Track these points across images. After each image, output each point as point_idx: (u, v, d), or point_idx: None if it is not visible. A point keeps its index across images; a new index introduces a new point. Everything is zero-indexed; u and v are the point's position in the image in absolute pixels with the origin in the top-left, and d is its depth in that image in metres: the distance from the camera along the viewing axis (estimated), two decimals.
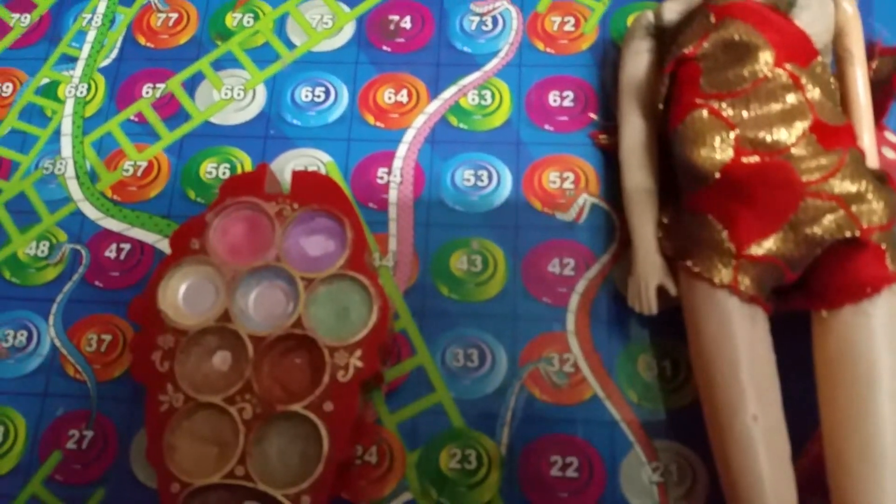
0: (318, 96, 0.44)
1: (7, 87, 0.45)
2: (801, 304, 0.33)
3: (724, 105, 0.34)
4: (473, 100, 0.43)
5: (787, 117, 0.33)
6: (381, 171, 0.41)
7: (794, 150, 0.33)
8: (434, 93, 0.43)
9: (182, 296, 0.34)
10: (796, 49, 0.35)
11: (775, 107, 0.34)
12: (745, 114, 0.34)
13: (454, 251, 0.39)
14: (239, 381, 0.32)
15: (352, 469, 0.35)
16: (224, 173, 0.42)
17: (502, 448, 0.35)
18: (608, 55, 0.43)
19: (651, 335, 0.37)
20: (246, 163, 0.42)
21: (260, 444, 0.32)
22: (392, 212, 0.40)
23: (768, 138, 0.33)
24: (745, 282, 0.33)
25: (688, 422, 0.35)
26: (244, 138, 0.43)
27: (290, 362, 0.33)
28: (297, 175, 0.36)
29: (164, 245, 0.40)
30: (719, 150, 0.33)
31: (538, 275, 0.39)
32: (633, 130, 0.38)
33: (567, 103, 0.42)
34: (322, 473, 0.31)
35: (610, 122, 0.41)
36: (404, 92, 0.43)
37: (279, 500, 0.31)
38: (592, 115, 0.42)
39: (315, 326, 0.33)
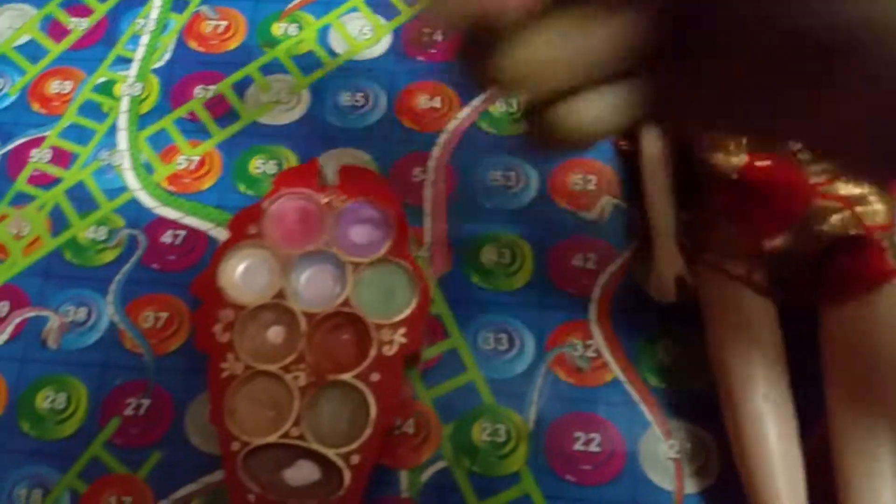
0: (359, 101, 0.47)
1: (67, 84, 0.48)
2: (809, 298, 0.36)
3: None
4: (502, 107, 0.46)
5: None
6: (417, 171, 0.44)
7: (800, 155, 0.36)
8: (465, 100, 0.46)
9: (240, 275, 0.37)
10: None
11: None
12: None
13: (484, 244, 0.42)
14: (293, 353, 0.35)
15: (391, 438, 0.38)
16: (271, 169, 0.45)
17: (530, 423, 0.38)
18: None
19: (667, 323, 0.40)
20: (291, 160, 0.45)
21: (312, 409, 0.35)
22: (427, 207, 0.43)
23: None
24: (757, 275, 0.36)
25: (702, 404, 0.38)
26: (290, 138, 0.46)
27: (339, 338, 0.36)
28: (345, 169, 0.39)
29: (217, 232, 0.43)
30: (734, 155, 0.37)
31: (563, 268, 0.42)
32: (654, 137, 0.41)
33: None
34: (370, 436, 0.34)
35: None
36: (438, 98, 0.46)
37: (331, 459, 0.33)
38: None
39: (362, 306, 0.36)
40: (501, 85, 0.24)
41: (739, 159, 0.37)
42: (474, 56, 0.24)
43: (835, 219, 0.35)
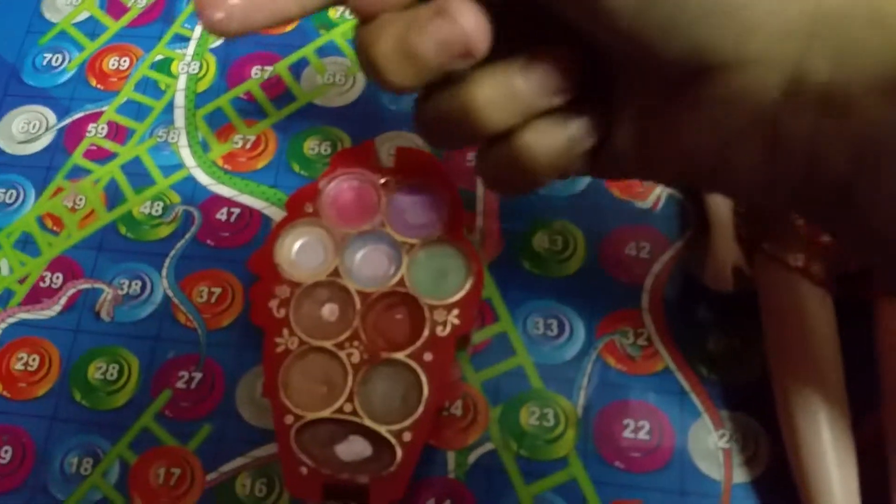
0: None
1: (125, 61, 0.49)
2: (866, 291, 0.36)
3: None
4: None
5: None
6: (471, 155, 0.44)
7: None
8: None
9: (296, 252, 0.37)
10: None
11: None
12: None
13: (536, 231, 0.42)
14: (347, 330, 0.35)
15: (440, 419, 0.38)
16: (326, 150, 0.45)
17: (578, 409, 0.38)
18: None
19: (719, 313, 0.40)
20: (346, 141, 0.45)
21: (365, 386, 0.35)
22: (479, 191, 0.43)
23: None
24: (816, 266, 0.35)
25: (753, 394, 0.38)
26: (345, 120, 0.46)
27: (392, 317, 0.36)
28: (400, 151, 0.39)
29: (271, 211, 0.43)
30: None
31: (616, 256, 0.42)
32: None
33: None
34: (422, 414, 0.34)
35: None
36: None
37: (383, 436, 0.34)
38: None
39: (416, 286, 0.36)
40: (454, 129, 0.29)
41: None
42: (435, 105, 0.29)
43: None
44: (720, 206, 0.39)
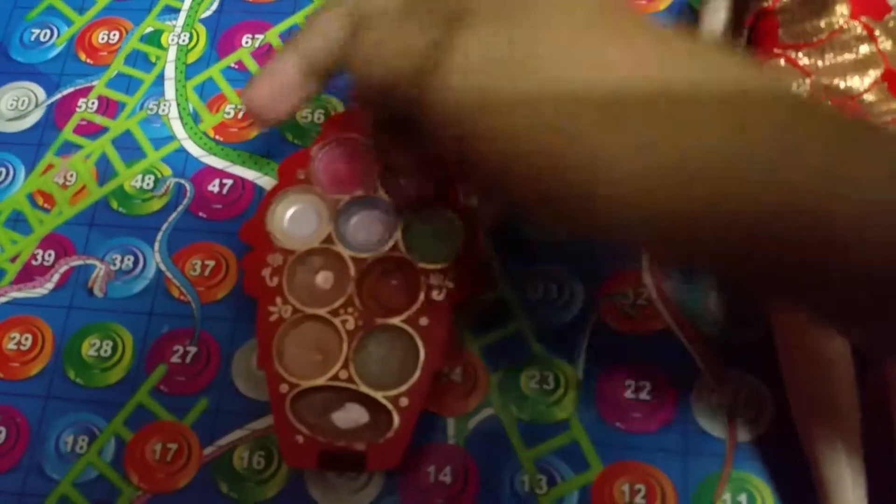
0: None
1: (114, 34, 0.48)
2: None
3: (800, 55, 0.36)
4: None
5: (860, 66, 0.36)
6: None
7: (866, 97, 0.35)
8: None
9: (288, 220, 0.37)
10: (871, 3, 0.37)
11: (849, 56, 0.36)
12: (819, 63, 0.36)
13: None
14: (342, 297, 0.35)
15: (439, 386, 0.37)
16: (319, 118, 0.44)
17: (579, 372, 0.38)
18: (683, 16, 0.45)
19: None
20: (338, 109, 0.45)
21: (361, 353, 0.34)
22: None
23: (842, 85, 0.35)
24: None
25: (757, 354, 0.37)
26: (338, 86, 0.45)
27: (388, 283, 0.36)
28: None
29: (264, 181, 0.43)
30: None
31: None
32: None
33: None
34: (419, 379, 0.33)
35: None
36: None
37: (379, 402, 0.33)
38: None
39: (411, 251, 0.35)
40: None
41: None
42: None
43: None
44: None
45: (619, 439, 0.36)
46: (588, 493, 0.36)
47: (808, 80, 0.36)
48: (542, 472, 0.36)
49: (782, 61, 0.36)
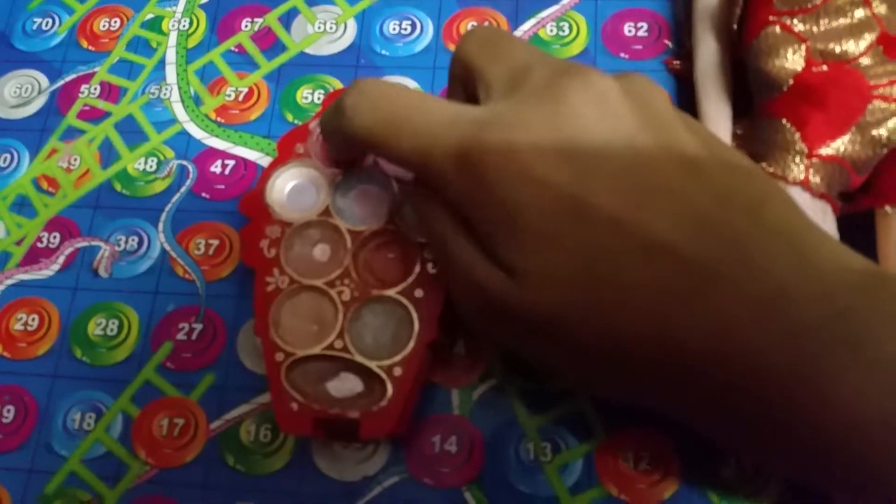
0: (405, 29, 0.46)
1: (115, 21, 0.49)
2: (865, 203, 0.35)
3: (795, 21, 0.36)
4: (552, 31, 0.45)
5: (856, 31, 0.35)
6: None
7: (861, 60, 0.35)
8: (514, 25, 0.46)
9: (287, 193, 0.37)
10: None
11: (844, 21, 0.36)
12: (815, 28, 0.36)
13: None
14: (338, 269, 0.35)
15: (443, 358, 0.37)
16: (319, 98, 0.45)
17: None
18: None
19: None
20: (338, 86, 0.45)
21: (356, 323, 0.34)
22: None
23: (837, 49, 0.35)
24: (816, 179, 0.34)
25: None
26: (337, 67, 0.46)
27: (384, 255, 0.36)
28: None
29: (266, 161, 0.43)
30: (791, 61, 0.36)
31: None
32: (707, 52, 0.40)
33: (641, 33, 0.45)
34: (413, 350, 0.33)
35: (682, 50, 0.43)
36: (486, 24, 0.46)
37: (373, 371, 0.33)
38: (667, 42, 0.44)
39: (407, 225, 0.36)
40: None
41: (796, 65, 0.35)
42: None
43: (893, 122, 0.34)
44: (720, 130, 0.38)
45: (622, 408, 0.36)
46: (593, 459, 0.36)
47: (803, 47, 0.36)
48: (546, 439, 0.36)
49: (778, 28, 0.36)
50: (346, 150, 0.35)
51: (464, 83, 0.32)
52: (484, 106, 0.30)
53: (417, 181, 0.33)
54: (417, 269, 0.35)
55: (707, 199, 0.27)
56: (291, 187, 0.37)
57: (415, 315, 0.34)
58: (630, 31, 0.45)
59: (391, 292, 0.34)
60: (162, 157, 0.44)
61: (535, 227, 0.27)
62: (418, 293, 0.34)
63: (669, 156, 0.27)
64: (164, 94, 0.46)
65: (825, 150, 0.35)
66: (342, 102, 0.30)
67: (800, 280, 0.26)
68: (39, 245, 0.43)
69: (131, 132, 0.45)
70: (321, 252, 0.36)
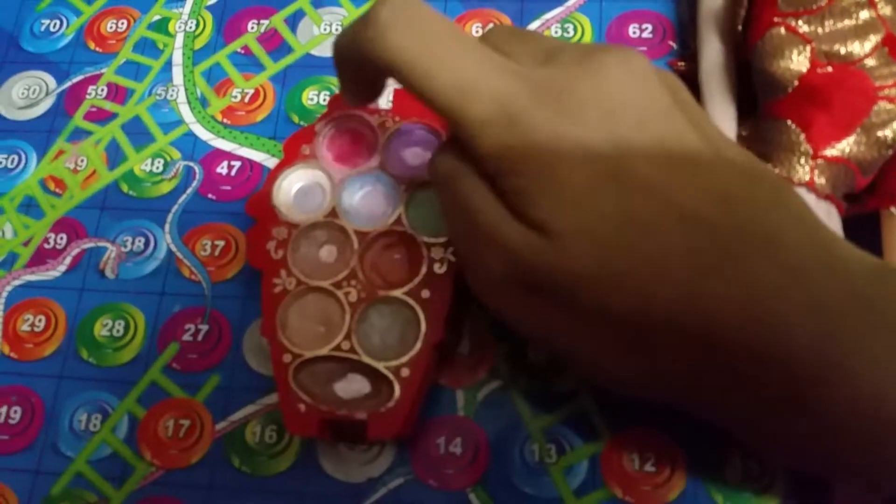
0: None
1: (122, 23, 0.49)
2: (871, 204, 0.35)
3: (800, 22, 0.36)
4: (556, 32, 0.45)
5: (861, 32, 0.35)
6: None
7: (867, 62, 0.35)
8: (519, 27, 0.46)
9: (294, 194, 0.37)
10: None
11: (849, 22, 0.36)
12: (819, 30, 0.36)
13: None
14: (345, 270, 0.35)
15: (447, 359, 0.38)
16: (324, 99, 0.45)
17: None
18: None
19: None
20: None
21: (363, 324, 0.34)
22: None
23: (842, 51, 0.35)
24: (821, 181, 0.35)
25: None
26: None
27: (390, 256, 0.36)
28: (398, 93, 0.39)
29: (272, 163, 0.43)
30: (796, 62, 0.36)
31: None
32: (712, 54, 0.40)
33: (646, 35, 0.45)
34: (420, 350, 0.33)
35: (687, 51, 0.43)
36: (491, 26, 0.46)
37: (381, 372, 0.33)
38: (672, 44, 0.44)
39: (413, 225, 0.36)
40: None
41: (801, 66, 0.36)
42: None
43: None
44: (725, 132, 0.38)
45: (628, 407, 0.36)
46: (598, 461, 0.36)
47: (808, 48, 0.36)
48: (551, 441, 0.36)
49: (782, 30, 0.36)
50: (363, 78, 0.32)
51: None
52: (524, 66, 0.29)
53: (448, 136, 0.32)
54: (424, 269, 0.35)
55: (733, 177, 0.27)
56: (298, 189, 0.37)
57: (422, 316, 0.34)
58: (635, 33, 0.45)
59: (398, 293, 0.35)
60: (168, 159, 0.44)
61: (574, 185, 0.26)
62: (425, 294, 0.34)
63: (699, 134, 0.28)
64: (171, 96, 0.46)
65: (830, 152, 0.35)
66: (374, 14, 0.27)
67: (819, 261, 0.26)
68: (46, 246, 0.43)
69: (138, 133, 0.45)
70: (328, 253, 0.36)
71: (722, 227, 0.26)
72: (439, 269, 0.35)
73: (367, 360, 0.34)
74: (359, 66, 0.30)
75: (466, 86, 0.27)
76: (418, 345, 0.34)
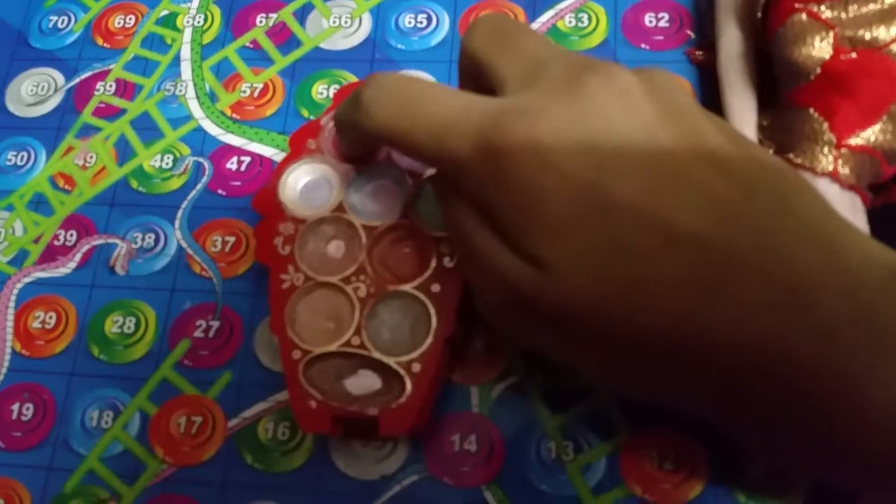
0: (421, 22, 0.46)
1: (130, 18, 0.48)
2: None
3: (822, 8, 0.35)
4: (570, 22, 0.44)
5: (886, 17, 0.34)
6: None
7: (893, 47, 0.34)
8: (532, 17, 0.45)
9: (300, 189, 0.36)
10: None
11: (874, 7, 0.35)
12: (843, 15, 0.35)
13: None
14: (353, 265, 0.34)
15: (462, 356, 0.37)
16: (334, 93, 0.44)
17: None
18: None
19: None
20: (351, 79, 0.44)
21: (373, 319, 0.34)
22: None
23: (867, 36, 0.34)
24: (845, 171, 0.34)
25: None
26: (352, 62, 0.45)
27: (399, 250, 0.35)
28: None
29: (281, 157, 0.42)
30: (818, 48, 0.35)
31: None
32: (731, 42, 0.39)
33: (663, 24, 0.44)
34: (431, 345, 0.33)
35: (705, 40, 0.42)
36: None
37: (391, 368, 0.33)
38: (689, 32, 0.43)
39: (422, 218, 0.35)
40: None
41: (824, 53, 0.35)
42: None
43: None
44: (745, 123, 0.37)
45: (645, 406, 0.35)
46: (616, 459, 0.35)
47: (831, 34, 0.35)
48: (568, 438, 0.36)
49: (804, 16, 0.35)
50: (362, 145, 0.35)
51: (474, 77, 0.31)
52: (500, 97, 0.29)
53: (437, 173, 0.32)
54: (434, 263, 0.34)
55: (730, 189, 0.26)
56: (304, 184, 0.37)
57: (432, 310, 0.33)
58: (651, 22, 0.44)
59: (407, 287, 0.34)
60: (178, 154, 0.44)
61: (557, 215, 0.26)
62: (435, 288, 0.34)
63: (691, 148, 0.26)
64: (180, 91, 0.45)
65: (855, 140, 0.34)
66: (359, 96, 0.29)
67: (825, 274, 0.25)
68: (56, 243, 0.43)
69: (147, 129, 0.45)
70: (336, 248, 0.35)
71: (714, 245, 0.25)
72: (449, 262, 0.34)
73: (377, 355, 0.33)
74: (355, 136, 0.33)
75: (440, 132, 0.27)
76: (429, 339, 0.33)
